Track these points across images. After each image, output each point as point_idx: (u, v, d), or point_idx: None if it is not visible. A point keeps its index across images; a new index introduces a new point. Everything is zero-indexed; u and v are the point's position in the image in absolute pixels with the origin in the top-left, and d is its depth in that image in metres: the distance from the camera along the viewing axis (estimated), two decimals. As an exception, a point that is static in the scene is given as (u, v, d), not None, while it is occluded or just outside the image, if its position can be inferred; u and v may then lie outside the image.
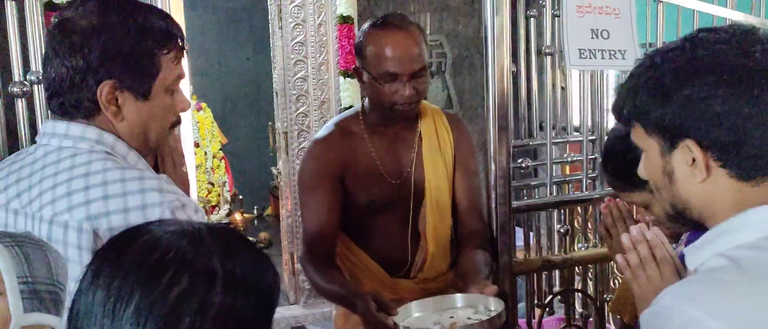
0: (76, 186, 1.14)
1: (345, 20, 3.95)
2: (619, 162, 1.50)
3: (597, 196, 2.11)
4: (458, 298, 1.72)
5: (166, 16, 1.27)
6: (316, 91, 4.06)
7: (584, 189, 2.14)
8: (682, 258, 1.14)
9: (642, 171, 1.10)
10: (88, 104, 1.20)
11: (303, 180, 2.01)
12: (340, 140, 1.97)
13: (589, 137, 2.13)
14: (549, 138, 2.08)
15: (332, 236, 1.98)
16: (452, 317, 1.67)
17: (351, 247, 2.04)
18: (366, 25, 1.89)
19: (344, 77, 3.98)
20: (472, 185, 2.08)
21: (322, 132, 2.01)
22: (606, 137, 2.01)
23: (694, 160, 0.98)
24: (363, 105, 2.02)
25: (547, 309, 2.23)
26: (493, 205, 2.01)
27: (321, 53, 4.03)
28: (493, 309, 1.64)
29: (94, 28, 1.17)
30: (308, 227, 1.96)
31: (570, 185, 2.17)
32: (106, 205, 1.12)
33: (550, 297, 2.18)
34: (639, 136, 1.06)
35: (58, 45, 1.19)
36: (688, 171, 1.00)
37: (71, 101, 1.20)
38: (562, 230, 2.11)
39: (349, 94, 3.96)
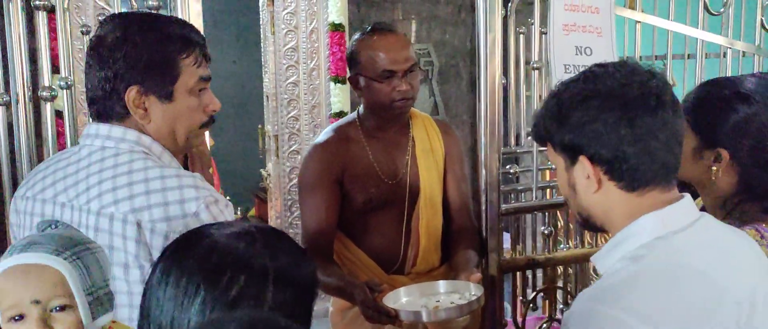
0: (121, 182, 1.28)
1: (336, 28, 4.10)
2: None
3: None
4: (443, 284, 1.87)
5: (186, 25, 1.43)
6: (306, 95, 4.20)
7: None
8: None
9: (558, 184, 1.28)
10: (119, 109, 1.34)
11: (304, 181, 2.15)
12: (339, 144, 2.11)
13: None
14: (535, 145, 2.23)
15: (330, 234, 2.12)
16: (438, 301, 1.82)
17: (348, 245, 2.18)
18: (356, 37, 2.06)
19: (335, 83, 4.13)
20: (462, 186, 2.25)
21: (321, 137, 2.15)
22: None
23: (588, 174, 1.14)
24: (358, 113, 2.16)
25: (531, 305, 2.38)
26: (484, 208, 2.16)
27: (312, 59, 4.17)
28: (473, 292, 1.79)
29: (118, 41, 1.32)
30: (308, 226, 2.10)
31: (553, 189, 2.33)
32: (148, 199, 1.26)
33: (535, 293, 2.33)
34: (551, 154, 1.21)
35: (92, 59, 1.35)
36: (585, 184, 1.15)
37: (105, 106, 1.35)
38: (545, 232, 2.26)
39: (340, 99, 4.11)
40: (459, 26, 4.72)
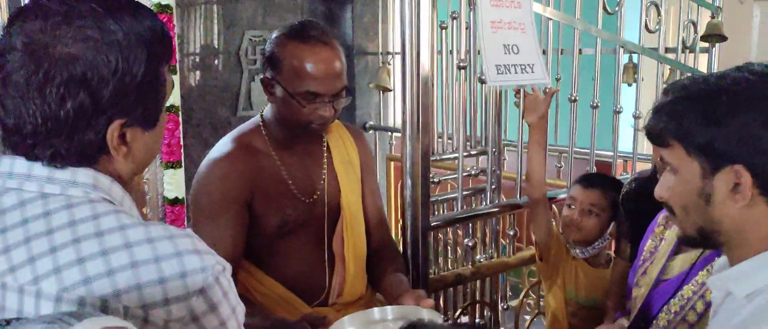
0: (89, 250, 0.87)
1: (163, 9, 3.62)
2: None
3: (498, 209, 2.15)
4: (390, 310, 1.64)
5: (154, 14, 1.00)
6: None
7: (488, 202, 2.16)
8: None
9: (663, 192, 1.13)
10: (91, 151, 0.93)
11: (200, 206, 1.79)
12: (245, 158, 1.79)
13: (492, 150, 2.16)
14: (461, 151, 2.06)
15: (235, 264, 1.78)
16: None
17: (259, 276, 1.85)
18: (281, 33, 1.73)
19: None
20: (377, 199, 2.03)
21: (220, 149, 1.81)
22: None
23: (736, 184, 1.02)
24: (263, 118, 1.86)
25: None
26: (409, 221, 1.95)
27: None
28: (426, 319, 1.59)
29: (88, 49, 0.89)
30: None
31: (477, 196, 2.18)
32: (136, 275, 0.87)
33: (461, 310, 2.16)
34: (677, 156, 1.08)
35: (23, 70, 0.88)
36: (727, 195, 1.03)
37: (68, 147, 0.91)
38: (470, 244, 2.10)
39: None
40: (298, 12, 4.39)
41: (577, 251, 2.18)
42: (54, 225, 0.89)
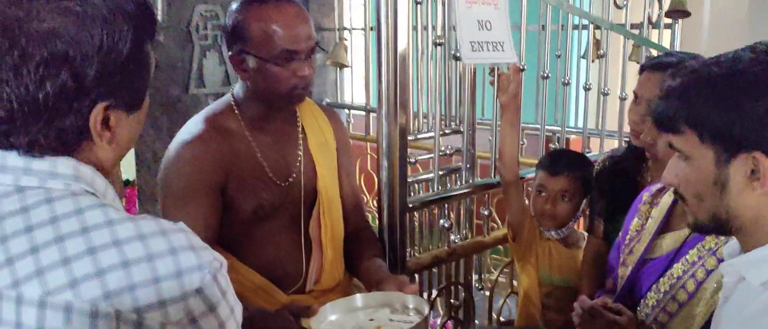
0: (74, 249, 0.78)
1: None
2: None
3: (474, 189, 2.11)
4: (373, 297, 1.62)
5: None
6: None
7: (463, 181, 2.12)
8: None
9: (672, 178, 1.09)
10: (72, 137, 0.84)
11: (171, 191, 1.69)
12: (218, 139, 1.69)
13: (467, 129, 2.11)
14: (437, 131, 2.01)
15: None
16: (372, 319, 1.56)
17: (234, 264, 1.76)
18: (239, 3, 1.65)
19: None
20: (353, 181, 1.98)
21: (190, 130, 1.71)
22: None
23: (753, 171, 0.98)
24: (235, 98, 1.76)
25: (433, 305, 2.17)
26: (385, 203, 1.89)
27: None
28: (411, 306, 1.57)
29: (69, 27, 0.81)
30: None
31: (452, 176, 2.13)
32: (128, 275, 0.78)
33: (437, 292, 2.12)
34: (689, 143, 1.04)
35: (16, 54, 0.79)
36: (744, 183, 1.00)
37: (47, 134, 0.83)
38: (446, 225, 2.06)
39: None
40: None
41: (552, 232, 2.16)
42: (34, 222, 0.80)
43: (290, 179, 1.78)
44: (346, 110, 4.18)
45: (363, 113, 3.93)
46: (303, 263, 1.81)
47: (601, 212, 2.12)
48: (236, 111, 1.74)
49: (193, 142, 1.68)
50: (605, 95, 2.57)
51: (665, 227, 1.60)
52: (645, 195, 1.72)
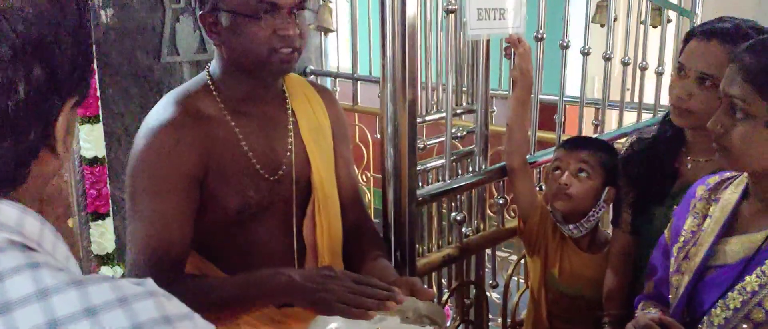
0: None
1: None
2: None
3: (489, 176, 1.84)
4: None
5: None
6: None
7: (478, 167, 1.85)
8: None
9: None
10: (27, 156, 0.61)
11: (138, 186, 1.41)
12: (195, 125, 1.41)
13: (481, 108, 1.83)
14: (449, 109, 1.73)
15: (183, 255, 1.43)
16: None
17: (214, 273, 1.50)
18: None
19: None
20: (351, 170, 1.71)
21: (161, 115, 1.42)
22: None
23: None
24: (210, 75, 1.48)
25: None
26: (391, 196, 1.61)
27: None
28: (424, 313, 1.33)
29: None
30: (151, 244, 1.38)
31: (464, 162, 1.85)
32: None
33: (449, 293, 1.86)
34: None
35: None
36: None
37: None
38: (458, 218, 1.79)
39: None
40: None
41: (571, 227, 1.90)
42: None
43: (280, 172, 1.50)
44: (332, 78, 3.88)
45: (350, 81, 3.65)
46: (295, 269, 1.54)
47: (630, 202, 1.87)
48: (214, 92, 1.46)
49: (163, 129, 1.39)
50: (660, 74, 2.31)
51: (730, 229, 1.35)
52: (699, 189, 1.46)
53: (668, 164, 1.75)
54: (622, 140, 2.04)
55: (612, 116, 2.45)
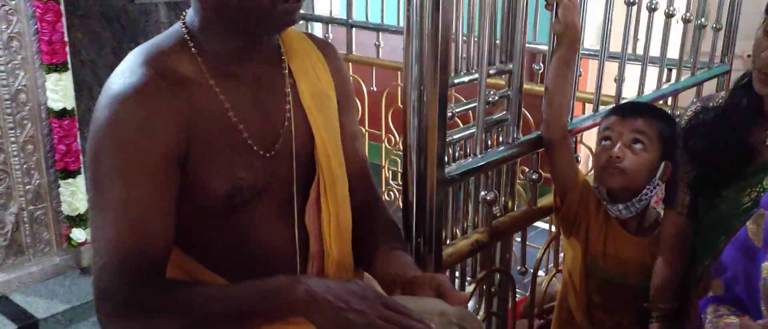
0: None
1: None
2: None
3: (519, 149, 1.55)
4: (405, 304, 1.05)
5: None
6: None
7: (512, 138, 1.55)
8: None
9: None
10: None
11: (103, 168, 1.10)
12: (170, 91, 1.11)
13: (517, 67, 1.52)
14: (483, 69, 1.42)
15: (164, 251, 1.13)
16: None
17: (199, 274, 1.22)
18: None
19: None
20: (360, 143, 1.42)
21: (126, 78, 1.11)
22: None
23: None
24: (187, 27, 1.17)
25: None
26: (414, 175, 1.32)
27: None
28: (455, 321, 1.05)
29: None
30: (122, 238, 1.08)
31: (494, 132, 1.55)
32: None
33: (474, 284, 1.58)
34: None
35: None
36: None
37: None
38: (489, 198, 1.50)
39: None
40: None
41: (619, 207, 1.64)
42: None
43: (276, 147, 1.21)
44: (323, 24, 3.55)
45: (343, 28, 3.32)
46: (297, 267, 1.26)
47: (689, 181, 1.60)
48: (192, 48, 1.16)
49: (130, 97, 1.09)
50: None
51: None
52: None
53: (742, 139, 1.47)
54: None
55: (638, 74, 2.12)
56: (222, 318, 1.06)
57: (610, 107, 1.74)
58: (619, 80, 1.88)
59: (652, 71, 2.05)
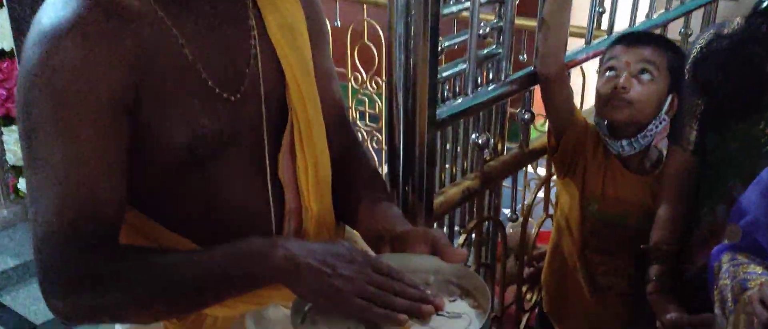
0: None
1: None
2: None
3: (511, 86, 1.39)
4: (390, 261, 0.92)
5: None
6: None
7: (504, 74, 1.40)
8: None
9: None
10: None
11: (38, 117, 0.92)
12: (113, 26, 0.93)
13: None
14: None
15: (115, 212, 0.97)
16: None
17: (159, 236, 1.06)
18: None
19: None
20: (335, 82, 1.26)
21: (61, 12, 0.91)
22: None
23: None
24: None
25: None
26: (401, 117, 1.17)
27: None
28: (452, 279, 0.95)
29: None
30: (68, 212, 0.92)
31: (483, 68, 1.40)
32: None
33: (464, 234, 1.45)
34: None
35: None
36: None
37: None
38: (480, 142, 1.36)
39: None
40: None
41: (623, 143, 1.52)
42: None
43: (242, 89, 1.04)
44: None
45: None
46: (272, 226, 1.11)
47: (697, 115, 1.48)
48: None
49: (66, 34, 0.90)
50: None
51: None
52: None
53: (759, 68, 1.35)
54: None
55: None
56: (187, 289, 0.92)
57: (604, 38, 1.60)
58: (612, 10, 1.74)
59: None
